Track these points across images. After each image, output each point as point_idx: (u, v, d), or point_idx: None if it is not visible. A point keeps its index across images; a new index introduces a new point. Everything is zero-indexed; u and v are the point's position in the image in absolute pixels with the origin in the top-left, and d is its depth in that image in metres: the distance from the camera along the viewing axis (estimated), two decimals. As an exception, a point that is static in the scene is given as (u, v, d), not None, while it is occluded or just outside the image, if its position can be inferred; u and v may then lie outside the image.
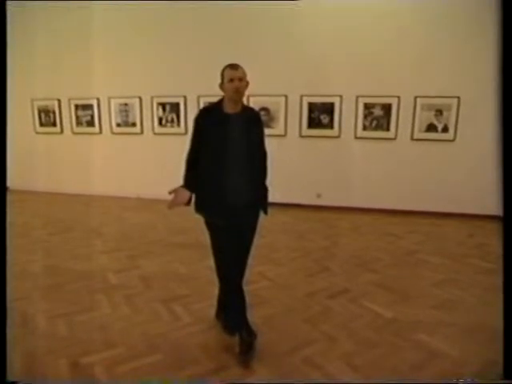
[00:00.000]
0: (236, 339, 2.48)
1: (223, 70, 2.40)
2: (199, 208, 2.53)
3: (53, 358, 2.42)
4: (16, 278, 3.48)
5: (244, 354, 2.41)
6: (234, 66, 2.37)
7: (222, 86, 2.42)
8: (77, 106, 7.38)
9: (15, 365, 2.29)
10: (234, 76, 2.33)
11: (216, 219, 2.49)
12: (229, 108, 2.42)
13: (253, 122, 2.52)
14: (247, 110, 2.56)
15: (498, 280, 3.62)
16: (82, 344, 2.57)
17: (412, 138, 6.05)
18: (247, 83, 2.41)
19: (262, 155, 2.60)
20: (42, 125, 7.69)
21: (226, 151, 2.40)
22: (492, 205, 5.76)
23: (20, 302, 3.10)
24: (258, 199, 2.57)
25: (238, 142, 2.41)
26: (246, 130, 2.44)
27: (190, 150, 2.51)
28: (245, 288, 3.30)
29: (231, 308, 2.60)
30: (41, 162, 7.64)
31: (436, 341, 2.64)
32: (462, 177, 5.95)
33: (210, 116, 2.46)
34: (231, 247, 2.50)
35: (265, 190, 2.62)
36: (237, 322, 2.53)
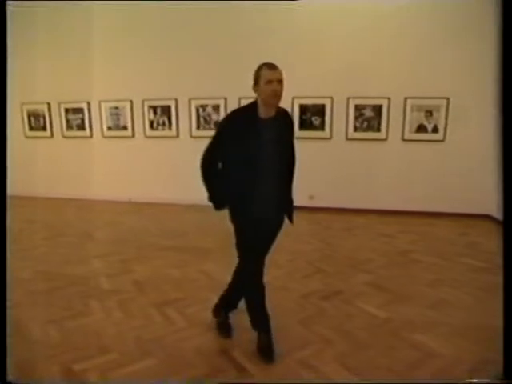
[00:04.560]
0: (230, 342, 2.49)
1: (258, 70, 2.19)
2: (219, 205, 2.45)
3: (46, 364, 2.39)
4: (8, 283, 3.43)
5: (264, 354, 2.42)
6: (272, 66, 2.16)
7: (256, 88, 2.21)
8: (67, 110, 7.32)
9: (7, 372, 2.25)
10: (272, 77, 2.13)
11: (247, 225, 2.40)
12: (263, 112, 2.23)
13: (286, 126, 2.36)
14: (280, 112, 2.35)
15: (490, 278, 3.69)
16: (75, 350, 2.54)
17: (403, 139, 6.09)
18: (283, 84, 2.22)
19: (292, 161, 2.46)
20: (31, 129, 7.62)
21: (259, 159, 2.23)
22: (482, 204, 5.85)
23: (12, 308, 3.05)
24: (286, 207, 2.47)
25: (272, 149, 2.25)
26: (279, 136, 2.28)
27: (212, 155, 2.36)
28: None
29: (253, 309, 2.56)
30: (31, 167, 7.55)
31: (430, 340, 2.65)
32: (452, 176, 6.00)
33: (243, 120, 2.26)
34: (257, 246, 2.43)
35: (291, 198, 2.51)
36: (258, 321, 2.53)
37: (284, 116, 2.38)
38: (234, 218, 2.43)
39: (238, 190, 2.32)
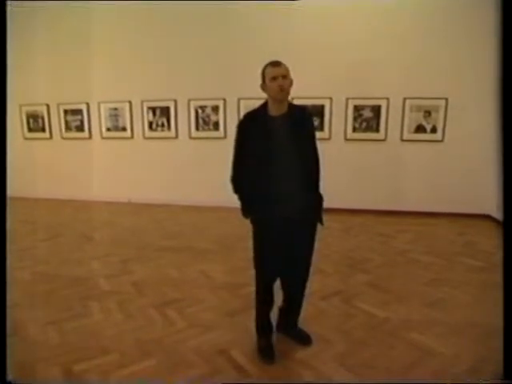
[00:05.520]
0: (230, 342, 2.48)
1: (264, 69, 2.24)
2: (247, 214, 2.43)
3: (45, 365, 2.39)
4: (7, 284, 3.43)
5: (264, 354, 2.46)
6: (275, 63, 2.21)
7: (263, 86, 2.26)
8: (66, 111, 7.33)
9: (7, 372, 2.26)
10: (276, 73, 2.17)
11: (265, 229, 2.37)
12: (274, 110, 2.26)
13: (302, 122, 2.32)
14: (294, 108, 2.35)
15: (488, 278, 3.70)
16: (75, 351, 2.54)
17: (401, 139, 6.10)
18: (291, 81, 2.25)
19: (314, 158, 2.39)
20: (30, 130, 7.62)
21: (274, 159, 2.24)
22: (482, 204, 5.86)
23: (10, 309, 3.06)
24: (312, 208, 2.39)
25: (287, 146, 2.24)
26: (294, 133, 2.26)
27: (236, 166, 2.37)
28: (239, 291, 3.31)
29: (259, 318, 2.59)
30: (30, 168, 7.56)
31: (429, 339, 2.65)
32: (451, 176, 6.02)
33: (254, 121, 2.29)
34: (277, 257, 2.41)
35: (319, 197, 2.42)
36: (261, 328, 2.57)
37: (300, 112, 2.37)
38: (254, 219, 2.41)
39: (256, 189, 2.31)
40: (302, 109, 2.42)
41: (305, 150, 2.31)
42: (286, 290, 2.63)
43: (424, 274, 3.82)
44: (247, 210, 2.42)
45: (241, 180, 2.39)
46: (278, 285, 2.60)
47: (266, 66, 2.25)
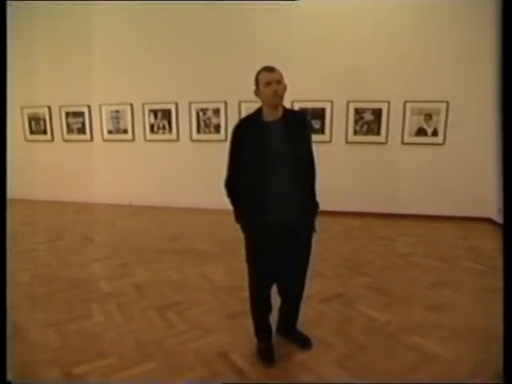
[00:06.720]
0: (230, 344, 2.48)
1: (258, 74, 2.24)
2: (240, 220, 2.41)
3: (45, 368, 2.39)
4: (8, 286, 3.43)
5: (264, 357, 2.45)
6: (269, 69, 2.20)
7: (257, 92, 2.25)
8: (67, 114, 7.35)
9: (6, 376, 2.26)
10: (271, 79, 2.16)
11: (259, 235, 2.35)
12: (268, 115, 2.24)
13: (298, 127, 2.30)
14: (290, 113, 2.34)
15: (490, 281, 3.69)
16: (75, 353, 2.54)
17: (402, 142, 6.10)
18: (285, 86, 2.23)
19: (310, 164, 2.36)
20: (32, 133, 7.64)
21: (269, 165, 2.22)
22: (483, 207, 5.86)
23: (11, 311, 3.06)
24: (307, 214, 2.37)
25: (282, 152, 2.22)
26: (290, 138, 2.23)
27: (231, 171, 2.35)
28: (239, 294, 3.31)
29: (257, 323, 2.58)
30: (32, 171, 7.58)
31: (429, 343, 2.65)
32: (452, 180, 6.01)
33: (248, 127, 2.28)
34: (272, 262, 2.40)
35: (315, 204, 2.41)
36: (261, 332, 2.57)
37: (296, 117, 2.36)
38: (245, 224, 2.39)
39: (250, 194, 2.30)
40: (298, 113, 2.42)
41: (300, 155, 2.29)
42: (283, 295, 2.62)
43: (425, 278, 3.81)
44: (240, 214, 2.40)
45: (235, 185, 2.37)
46: (275, 288, 2.59)
47: (259, 72, 2.24)
